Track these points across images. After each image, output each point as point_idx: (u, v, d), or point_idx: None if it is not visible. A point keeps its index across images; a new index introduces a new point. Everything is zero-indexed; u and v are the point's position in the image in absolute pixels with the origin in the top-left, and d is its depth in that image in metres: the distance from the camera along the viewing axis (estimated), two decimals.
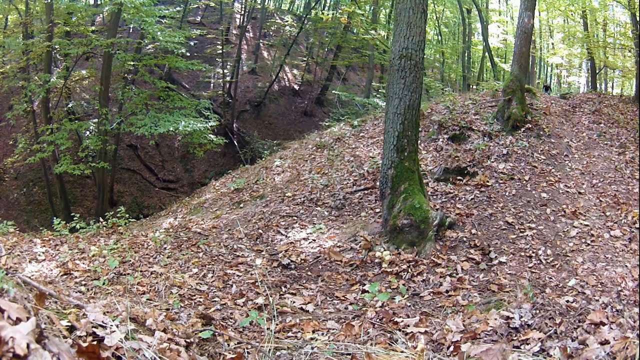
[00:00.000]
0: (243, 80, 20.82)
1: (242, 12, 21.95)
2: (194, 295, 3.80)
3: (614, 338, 2.10)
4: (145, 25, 11.09)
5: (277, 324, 3.19)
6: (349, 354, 2.36)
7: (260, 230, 6.22)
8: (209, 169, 17.45)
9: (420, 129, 6.85)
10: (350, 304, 4.02)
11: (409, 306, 3.94)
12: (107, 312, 2.16)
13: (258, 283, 4.39)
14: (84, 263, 4.46)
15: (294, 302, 4.04)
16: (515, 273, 4.87)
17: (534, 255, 5.30)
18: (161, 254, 4.99)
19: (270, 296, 4.08)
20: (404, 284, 4.60)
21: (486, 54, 22.50)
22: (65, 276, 4.06)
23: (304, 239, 5.91)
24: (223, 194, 9.30)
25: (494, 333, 2.48)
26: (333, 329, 3.18)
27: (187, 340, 2.21)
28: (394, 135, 5.75)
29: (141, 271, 4.26)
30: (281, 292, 4.32)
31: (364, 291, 4.35)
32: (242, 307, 3.68)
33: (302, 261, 5.22)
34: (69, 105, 14.64)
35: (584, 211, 6.55)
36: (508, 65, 18.65)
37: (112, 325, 1.85)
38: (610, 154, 8.65)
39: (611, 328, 2.24)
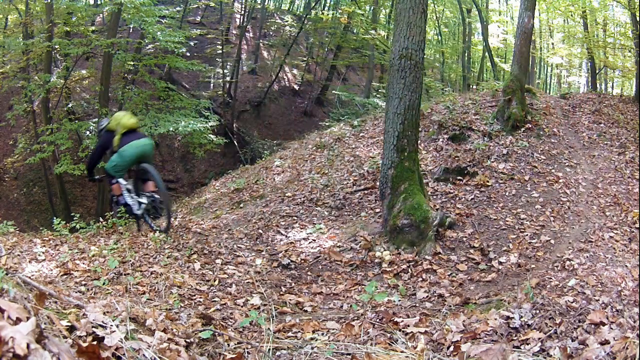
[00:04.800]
0: (243, 80, 20.80)
1: (242, 12, 21.93)
2: (194, 295, 3.80)
3: (614, 338, 2.10)
4: (145, 25, 11.09)
5: (276, 324, 3.19)
6: (349, 354, 2.36)
7: (260, 230, 6.23)
8: (209, 169, 17.45)
9: (420, 129, 6.86)
10: (350, 304, 4.02)
11: (409, 306, 3.94)
12: (107, 312, 2.16)
13: (258, 283, 4.39)
14: (84, 263, 4.45)
15: (294, 302, 4.04)
16: (515, 273, 4.87)
17: (534, 255, 5.30)
18: (161, 254, 4.99)
19: (270, 296, 4.08)
20: (404, 284, 4.60)
21: (486, 54, 22.49)
22: (65, 276, 4.06)
23: (304, 239, 5.91)
24: (223, 194, 9.30)
25: (494, 333, 2.48)
26: (333, 329, 3.18)
27: (187, 340, 2.22)
28: (394, 135, 5.75)
29: (141, 271, 4.26)
30: (281, 292, 4.32)
31: (364, 291, 4.35)
32: (242, 307, 3.68)
33: (302, 261, 5.22)
34: (69, 105, 14.62)
35: (584, 211, 6.55)
36: (508, 65, 18.64)
37: (112, 325, 1.85)
38: (610, 154, 8.65)
39: (611, 328, 2.24)
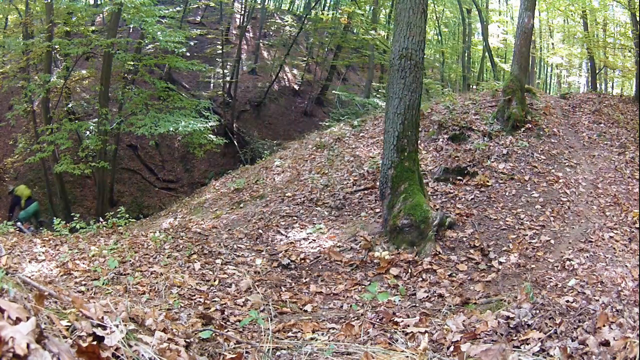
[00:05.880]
0: (243, 80, 20.78)
1: (242, 12, 21.92)
2: (194, 295, 3.80)
3: (614, 338, 2.10)
4: (146, 25, 11.08)
5: (276, 324, 3.19)
6: (349, 354, 2.36)
7: (260, 230, 6.23)
8: (209, 169, 17.43)
9: (420, 129, 6.86)
10: (350, 304, 4.02)
11: (409, 306, 3.94)
12: (107, 312, 2.15)
13: (258, 283, 4.39)
14: (84, 263, 4.46)
15: (294, 301, 4.04)
16: (515, 273, 4.87)
17: (533, 255, 5.30)
18: (161, 254, 4.99)
19: (270, 296, 4.08)
20: (403, 284, 4.60)
21: (486, 54, 22.48)
22: (65, 276, 4.06)
23: (304, 239, 5.91)
24: (223, 194, 9.30)
25: (494, 333, 2.48)
26: (333, 329, 3.18)
27: (187, 340, 2.21)
28: (394, 135, 5.75)
29: (141, 271, 4.26)
30: (281, 292, 4.32)
31: (364, 291, 4.35)
32: (242, 307, 3.68)
33: (302, 261, 5.22)
34: (69, 105, 14.61)
35: (584, 211, 6.55)
36: (508, 65, 18.62)
37: (112, 325, 1.85)
38: (610, 154, 8.65)
39: (611, 328, 2.24)
